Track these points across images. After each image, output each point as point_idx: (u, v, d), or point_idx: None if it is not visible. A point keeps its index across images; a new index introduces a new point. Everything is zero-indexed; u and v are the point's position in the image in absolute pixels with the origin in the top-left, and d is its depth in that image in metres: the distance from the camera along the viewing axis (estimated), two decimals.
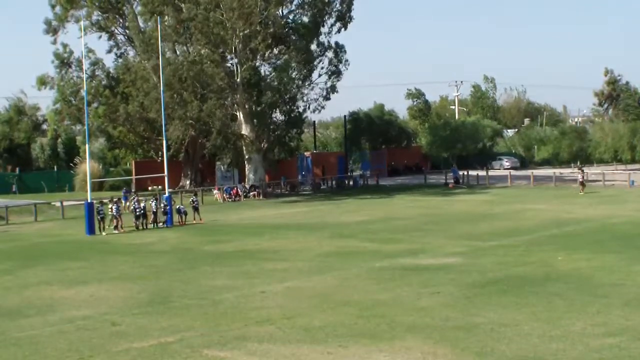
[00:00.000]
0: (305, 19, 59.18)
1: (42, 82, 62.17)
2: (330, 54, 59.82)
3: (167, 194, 41.84)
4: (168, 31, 53.01)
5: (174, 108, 54.29)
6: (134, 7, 61.23)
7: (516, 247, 28.41)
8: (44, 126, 73.59)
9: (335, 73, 59.97)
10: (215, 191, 56.25)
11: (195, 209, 41.05)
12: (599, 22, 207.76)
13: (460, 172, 64.07)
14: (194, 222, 39.93)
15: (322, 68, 59.67)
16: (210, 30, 53.54)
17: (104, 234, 36.61)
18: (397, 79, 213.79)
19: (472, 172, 64.77)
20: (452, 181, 62.10)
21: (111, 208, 38.06)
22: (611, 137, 78.93)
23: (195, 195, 44.85)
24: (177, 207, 40.70)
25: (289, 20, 59.45)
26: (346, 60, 60.27)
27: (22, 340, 17.06)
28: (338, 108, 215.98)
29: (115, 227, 37.52)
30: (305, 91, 59.49)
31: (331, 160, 71.46)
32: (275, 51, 58.56)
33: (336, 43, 60.05)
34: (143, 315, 19.18)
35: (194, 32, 54.34)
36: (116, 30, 63.57)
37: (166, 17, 54.18)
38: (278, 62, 58.84)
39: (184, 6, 54.44)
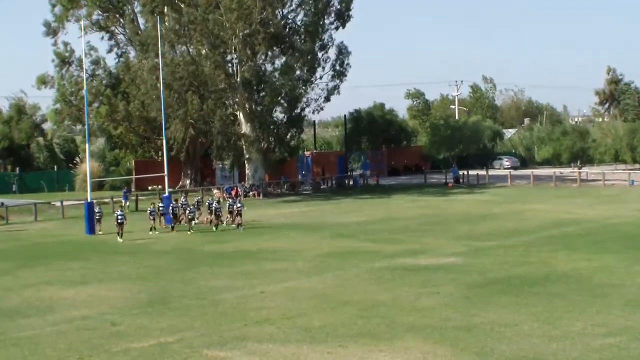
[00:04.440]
0: (306, 19, 59.09)
1: (42, 81, 62.20)
2: (332, 54, 59.82)
3: (166, 194, 41.81)
4: (168, 32, 52.88)
5: (174, 108, 54.27)
6: (134, 7, 61.29)
7: (516, 247, 28.40)
8: (44, 126, 73.67)
9: (339, 75, 59.79)
10: (215, 191, 56.23)
11: (240, 214, 36.90)
12: (600, 22, 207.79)
13: (461, 172, 64.08)
14: (232, 224, 37.25)
15: (322, 69, 59.66)
16: (210, 32, 53.53)
17: (156, 233, 35.68)
18: (397, 78, 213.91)
19: (472, 172, 64.76)
20: (452, 180, 62.13)
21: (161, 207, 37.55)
22: (611, 138, 78.83)
23: (240, 201, 40.08)
24: (211, 204, 38.07)
25: (289, 20, 59.38)
26: (347, 63, 60.23)
27: (21, 340, 17.06)
28: (338, 107, 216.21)
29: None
30: (306, 90, 59.41)
31: (331, 160, 71.44)
32: (276, 51, 58.53)
33: (339, 45, 59.97)
34: (143, 315, 19.18)
35: (193, 34, 54.30)
36: (116, 30, 63.67)
37: (166, 19, 54.13)
38: (278, 62, 58.89)
39: (184, 8, 54.36)
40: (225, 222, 37.51)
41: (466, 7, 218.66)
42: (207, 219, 38.07)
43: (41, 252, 31.34)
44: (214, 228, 36.63)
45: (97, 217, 37.16)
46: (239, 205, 37.39)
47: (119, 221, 34.30)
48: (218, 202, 38.67)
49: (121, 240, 33.58)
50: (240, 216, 36.77)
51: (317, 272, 24.51)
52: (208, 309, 19.60)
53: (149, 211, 37.45)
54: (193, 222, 36.56)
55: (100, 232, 36.62)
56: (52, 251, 31.72)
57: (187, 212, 36.90)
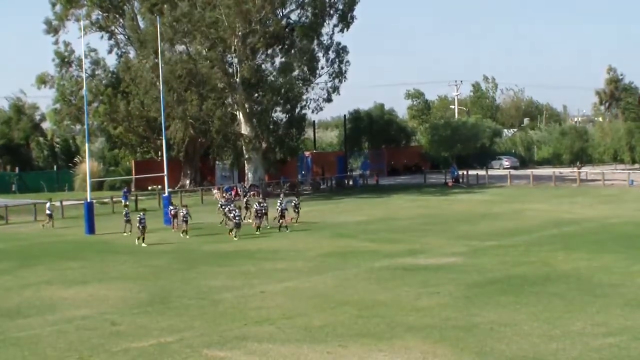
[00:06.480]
0: (306, 19, 59.09)
1: (42, 80, 62.20)
2: (331, 54, 59.73)
3: (166, 194, 41.82)
4: (165, 29, 52.81)
5: (174, 107, 54.24)
6: (134, 6, 61.29)
7: (516, 247, 28.42)
8: (44, 125, 73.65)
9: (338, 75, 59.79)
10: (214, 191, 56.22)
11: (297, 212, 37.65)
12: (600, 22, 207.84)
13: (460, 172, 64.09)
14: (292, 221, 37.13)
15: (322, 68, 59.64)
16: (208, 30, 53.49)
17: (234, 238, 32.97)
18: (397, 78, 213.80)
19: (472, 172, 64.77)
20: (452, 180, 62.14)
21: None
22: (611, 137, 78.86)
23: (298, 197, 40.06)
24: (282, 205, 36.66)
25: (290, 20, 59.41)
26: (347, 61, 60.25)
27: (21, 340, 17.06)
28: (338, 108, 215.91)
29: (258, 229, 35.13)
30: (306, 90, 59.43)
31: (331, 160, 71.43)
32: (276, 50, 58.52)
33: (338, 44, 59.90)
34: (143, 315, 19.18)
35: (191, 31, 54.28)
36: (116, 30, 63.67)
37: (165, 18, 54.10)
38: (278, 61, 58.86)
39: (180, 4, 54.29)
40: (278, 224, 35.89)
41: (466, 7, 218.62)
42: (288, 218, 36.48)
43: (41, 252, 31.34)
44: (256, 231, 34.91)
45: (125, 219, 35.68)
46: (282, 206, 36.21)
47: (142, 225, 32.13)
48: (259, 203, 36.99)
49: (145, 245, 31.60)
50: (284, 217, 35.93)
51: (316, 271, 24.52)
52: (208, 308, 19.61)
53: (224, 207, 35.53)
54: (239, 227, 33.55)
55: (127, 234, 34.93)
56: (52, 251, 31.72)
57: (233, 215, 34.09)
